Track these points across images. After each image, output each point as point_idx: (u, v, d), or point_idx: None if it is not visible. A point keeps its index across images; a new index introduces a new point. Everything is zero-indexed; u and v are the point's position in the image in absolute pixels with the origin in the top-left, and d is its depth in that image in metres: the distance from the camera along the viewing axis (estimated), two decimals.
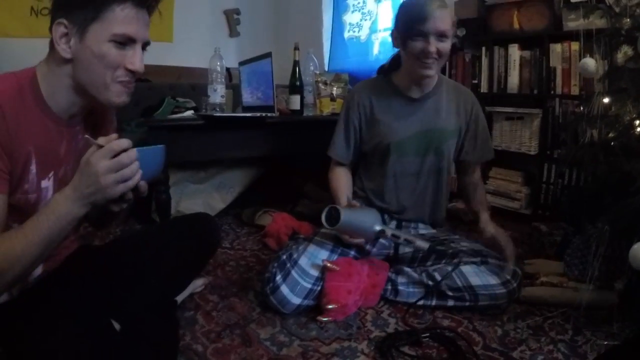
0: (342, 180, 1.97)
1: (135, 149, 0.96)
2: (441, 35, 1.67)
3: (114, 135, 0.97)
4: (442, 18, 1.66)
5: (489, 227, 1.82)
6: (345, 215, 1.58)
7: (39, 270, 1.18)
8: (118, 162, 0.93)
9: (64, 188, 0.98)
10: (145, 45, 1.11)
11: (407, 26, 1.70)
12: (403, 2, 1.81)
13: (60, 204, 0.96)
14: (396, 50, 1.88)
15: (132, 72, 1.08)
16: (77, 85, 1.08)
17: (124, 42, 1.05)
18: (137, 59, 1.07)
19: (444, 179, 1.93)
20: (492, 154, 2.02)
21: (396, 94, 1.88)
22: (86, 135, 1.03)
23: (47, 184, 1.13)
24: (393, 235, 1.69)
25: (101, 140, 0.95)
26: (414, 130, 1.85)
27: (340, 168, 1.99)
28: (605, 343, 1.49)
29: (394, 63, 1.93)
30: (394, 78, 1.91)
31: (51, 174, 1.14)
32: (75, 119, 1.18)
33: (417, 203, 1.93)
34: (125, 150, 0.94)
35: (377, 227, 1.67)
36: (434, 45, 1.66)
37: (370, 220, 1.68)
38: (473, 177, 2.03)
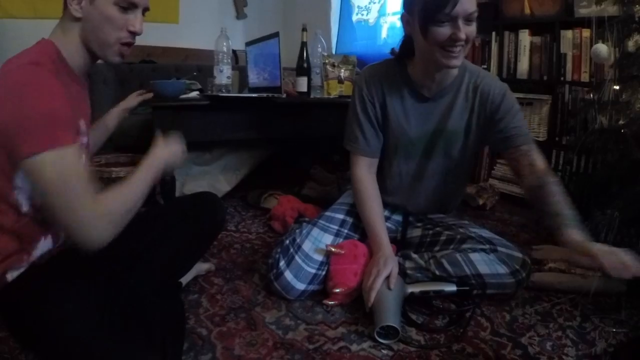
0: (374, 205, 1.72)
1: None
2: (469, 19, 1.41)
3: None
4: None
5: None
6: (394, 318, 1.43)
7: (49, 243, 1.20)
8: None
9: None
10: (144, 10, 1.24)
11: (430, 9, 1.40)
12: None
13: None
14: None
15: (133, 33, 1.22)
16: (84, 42, 1.20)
17: (127, 7, 1.19)
18: (137, 22, 1.22)
19: (450, 179, 1.79)
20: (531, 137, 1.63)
21: (409, 88, 1.67)
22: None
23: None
24: (421, 292, 1.60)
25: None
26: (424, 132, 1.70)
27: (367, 174, 1.76)
28: (614, 330, 1.49)
29: (406, 48, 1.63)
30: (408, 67, 1.67)
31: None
32: (84, 77, 1.29)
33: (424, 202, 1.84)
34: None
35: (407, 292, 1.58)
36: (463, 31, 1.40)
37: (399, 295, 1.53)
38: (531, 167, 1.55)
